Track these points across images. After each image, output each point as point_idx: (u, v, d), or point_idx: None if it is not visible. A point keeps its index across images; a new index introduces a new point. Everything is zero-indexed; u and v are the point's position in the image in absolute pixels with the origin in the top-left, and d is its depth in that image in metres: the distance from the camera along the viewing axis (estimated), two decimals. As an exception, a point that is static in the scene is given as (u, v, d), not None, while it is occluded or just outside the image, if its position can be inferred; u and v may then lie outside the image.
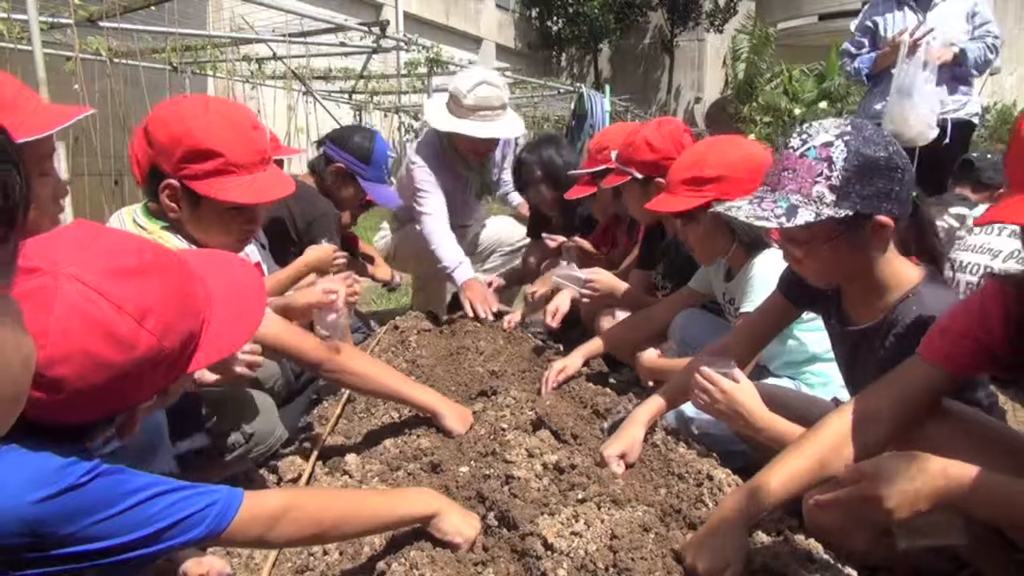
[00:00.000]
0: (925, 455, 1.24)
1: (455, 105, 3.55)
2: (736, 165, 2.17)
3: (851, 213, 1.52)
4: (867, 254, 1.60)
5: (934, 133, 4.09)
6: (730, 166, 2.18)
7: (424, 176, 3.63)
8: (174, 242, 1.79)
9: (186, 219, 1.83)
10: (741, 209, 1.63)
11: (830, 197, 1.51)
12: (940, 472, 1.20)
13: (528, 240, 4.12)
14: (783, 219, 1.52)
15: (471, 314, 3.27)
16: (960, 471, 1.20)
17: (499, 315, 3.27)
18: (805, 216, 1.51)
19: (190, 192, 1.79)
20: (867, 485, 1.22)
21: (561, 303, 2.97)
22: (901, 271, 1.64)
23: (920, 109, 4.06)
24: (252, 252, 2.67)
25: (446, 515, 1.52)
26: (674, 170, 2.30)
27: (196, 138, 1.76)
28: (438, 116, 3.62)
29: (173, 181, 1.78)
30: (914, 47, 4.11)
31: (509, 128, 3.61)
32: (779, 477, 1.42)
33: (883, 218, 1.53)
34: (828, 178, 1.51)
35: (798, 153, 1.56)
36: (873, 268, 1.63)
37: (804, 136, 1.58)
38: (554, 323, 2.94)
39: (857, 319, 1.73)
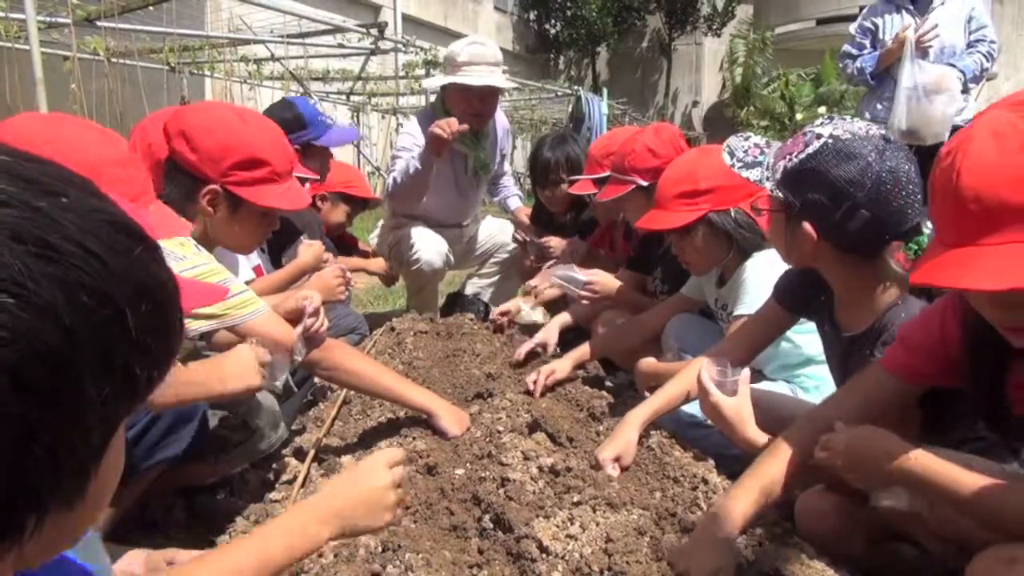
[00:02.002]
0: (889, 436, 1.32)
1: (449, 67, 3.63)
2: (730, 173, 2.17)
3: (781, 197, 1.59)
4: (792, 252, 1.67)
5: (947, 135, 4.12)
6: (724, 175, 2.18)
7: (407, 142, 3.68)
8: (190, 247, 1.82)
9: (219, 222, 1.93)
10: (749, 138, 1.76)
11: (778, 176, 1.59)
12: (892, 456, 1.29)
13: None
14: (736, 162, 1.64)
15: (444, 125, 3.24)
16: (913, 460, 1.27)
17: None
18: (751, 174, 1.61)
19: (232, 197, 1.90)
20: (833, 457, 1.36)
21: (549, 336, 2.88)
22: (888, 280, 1.65)
23: (942, 108, 4.07)
24: (252, 254, 2.69)
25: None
26: (664, 185, 2.29)
27: (250, 147, 1.89)
28: (433, 80, 3.75)
29: (216, 187, 1.88)
30: (919, 45, 4.13)
31: (502, 81, 3.64)
32: (759, 483, 1.47)
33: (806, 225, 1.58)
34: (790, 160, 1.58)
35: (805, 129, 1.61)
36: (855, 275, 1.65)
37: (826, 119, 1.62)
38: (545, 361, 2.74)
39: (848, 326, 1.74)
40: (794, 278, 1.90)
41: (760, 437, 1.67)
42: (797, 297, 1.88)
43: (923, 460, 1.26)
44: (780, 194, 1.59)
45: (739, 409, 1.69)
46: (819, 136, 1.56)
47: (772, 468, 1.49)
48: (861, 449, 1.33)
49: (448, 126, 3.25)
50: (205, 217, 1.91)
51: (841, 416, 1.46)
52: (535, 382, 2.42)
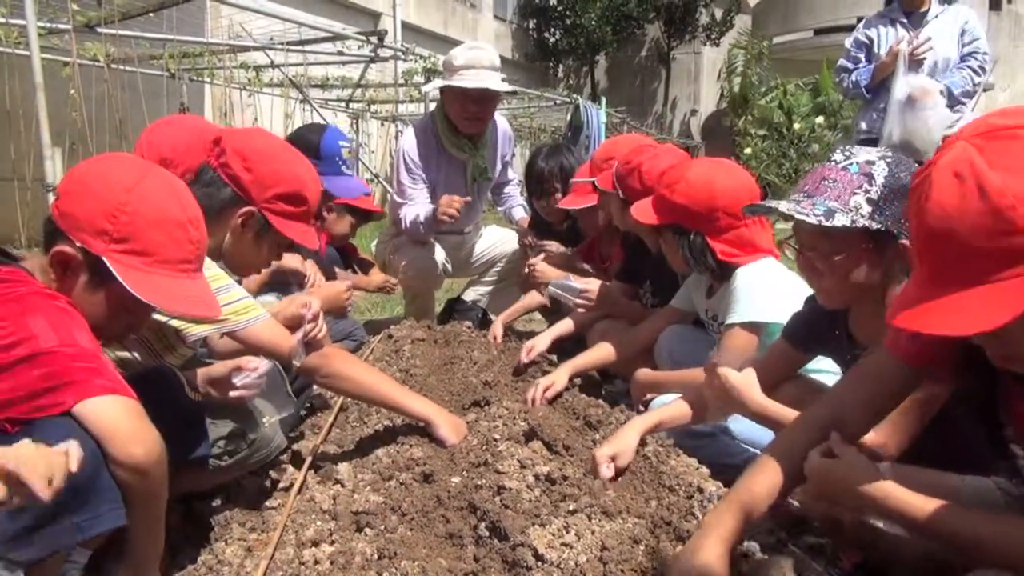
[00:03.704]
0: (861, 466, 1.33)
1: (447, 71, 3.68)
2: (700, 200, 2.22)
3: (883, 228, 1.58)
4: (885, 276, 1.65)
5: (934, 147, 4.13)
6: (694, 199, 2.23)
7: (405, 169, 3.77)
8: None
9: (241, 242, 1.95)
10: (780, 204, 1.70)
11: (867, 209, 1.58)
12: (860, 487, 1.30)
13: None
14: (822, 218, 1.58)
15: (452, 212, 3.46)
16: (880, 493, 1.29)
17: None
18: (842, 220, 1.57)
19: (265, 223, 1.93)
20: (816, 488, 1.39)
21: (539, 343, 2.89)
22: None
23: (927, 122, 4.09)
24: None
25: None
26: (660, 180, 2.36)
27: (300, 184, 1.95)
28: (430, 84, 3.92)
29: (254, 209, 1.91)
30: (912, 57, 4.15)
31: (497, 84, 3.67)
32: (757, 489, 1.43)
33: (908, 242, 1.57)
34: (868, 192, 1.59)
35: (840, 166, 1.63)
36: (890, 288, 1.67)
37: (847, 153, 1.66)
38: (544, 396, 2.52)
39: (870, 343, 1.75)
40: (807, 319, 1.91)
41: (769, 402, 1.74)
42: (814, 336, 1.90)
43: (890, 493, 1.28)
44: (880, 222, 1.58)
45: (746, 377, 1.77)
46: (871, 162, 1.60)
47: (772, 475, 1.45)
48: (832, 478, 1.34)
49: (451, 207, 3.45)
50: (231, 234, 1.93)
51: (846, 411, 1.46)
52: (532, 398, 2.43)
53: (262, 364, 1.89)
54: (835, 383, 1.60)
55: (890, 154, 1.63)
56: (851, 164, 1.61)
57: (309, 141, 3.09)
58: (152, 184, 1.44)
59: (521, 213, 4.36)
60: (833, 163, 1.65)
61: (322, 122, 9.36)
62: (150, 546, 1.44)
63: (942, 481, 1.46)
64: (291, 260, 2.92)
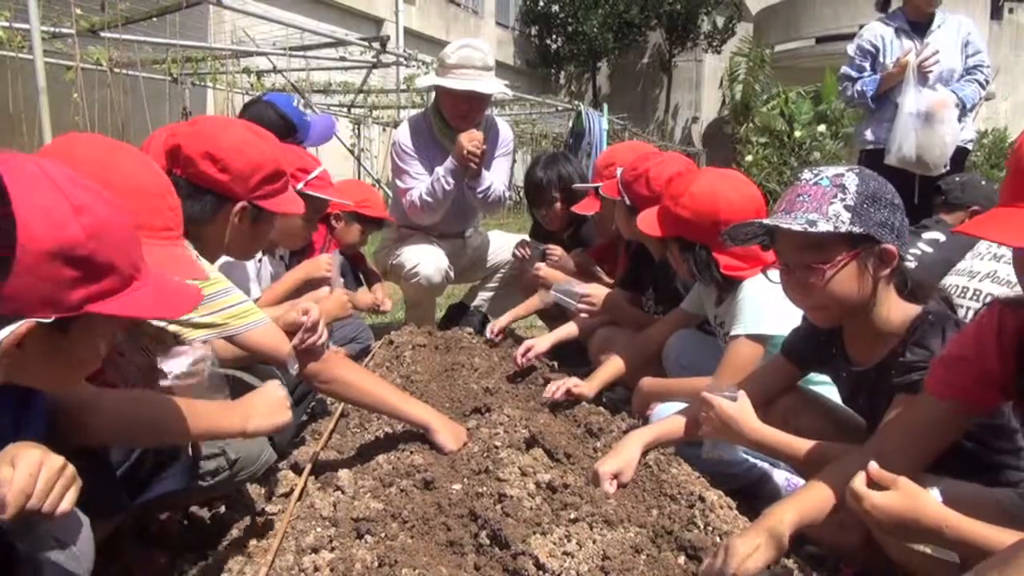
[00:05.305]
0: (924, 500, 1.28)
1: (440, 67, 3.70)
2: (704, 214, 2.22)
3: (864, 232, 1.60)
4: (874, 284, 1.65)
5: (947, 162, 4.12)
6: (698, 213, 2.23)
7: (403, 160, 3.82)
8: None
9: (239, 235, 1.95)
10: (761, 223, 1.73)
11: (846, 215, 1.61)
12: (927, 521, 1.26)
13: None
14: (806, 226, 1.60)
15: (477, 143, 3.55)
16: (947, 526, 1.25)
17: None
18: (825, 227, 1.60)
19: (257, 211, 1.94)
20: (870, 514, 1.30)
21: (539, 344, 2.89)
22: (905, 307, 1.68)
23: (941, 137, 4.08)
24: (265, 261, 2.73)
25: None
26: (668, 191, 2.34)
27: (274, 161, 1.95)
28: (423, 79, 3.93)
29: (245, 203, 1.92)
30: (921, 69, 4.14)
31: (486, 86, 3.68)
32: (791, 517, 1.42)
33: (889, 246, 1.61)
34: (843, 200, 1.62)
35: (812, 182, 1.67)
36: (878, 305, 1.67)
37: (816, 170, 1.72)
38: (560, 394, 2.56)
39: (864, 361, 1.75)
40: (804, 336, 1.92)
41: (766, 429, 1.75)
42: (810, 353, 1.91)
43: (955, 523, 1.24)
44: (860, 229, 1.60)
45: (741, 406, 1.78)
46: (840, 175, 1.65)
47: (811, 502, 1.46)
48: (892, 512, 1.29)
49: (472, 140, 3.51)
50: (229, 231, 1.92)
51: (889, 454, 1.45)
52: (556, 390, 2.44)
53: (191, 350, 1.70)
54: (882, 425, 1.58)
55: (856, 167, 1.69)
56: (822, 179, 1.66)
57: (276, 121, 3.20)
58: (121, 156, 1.45)
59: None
60: (804, 181, 1.70)
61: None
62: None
63: (986, 497, 1.45)
64: (317, 269, 2.91)
